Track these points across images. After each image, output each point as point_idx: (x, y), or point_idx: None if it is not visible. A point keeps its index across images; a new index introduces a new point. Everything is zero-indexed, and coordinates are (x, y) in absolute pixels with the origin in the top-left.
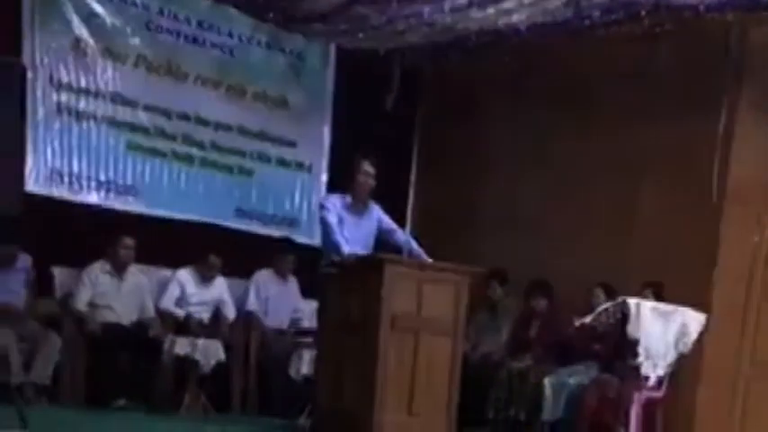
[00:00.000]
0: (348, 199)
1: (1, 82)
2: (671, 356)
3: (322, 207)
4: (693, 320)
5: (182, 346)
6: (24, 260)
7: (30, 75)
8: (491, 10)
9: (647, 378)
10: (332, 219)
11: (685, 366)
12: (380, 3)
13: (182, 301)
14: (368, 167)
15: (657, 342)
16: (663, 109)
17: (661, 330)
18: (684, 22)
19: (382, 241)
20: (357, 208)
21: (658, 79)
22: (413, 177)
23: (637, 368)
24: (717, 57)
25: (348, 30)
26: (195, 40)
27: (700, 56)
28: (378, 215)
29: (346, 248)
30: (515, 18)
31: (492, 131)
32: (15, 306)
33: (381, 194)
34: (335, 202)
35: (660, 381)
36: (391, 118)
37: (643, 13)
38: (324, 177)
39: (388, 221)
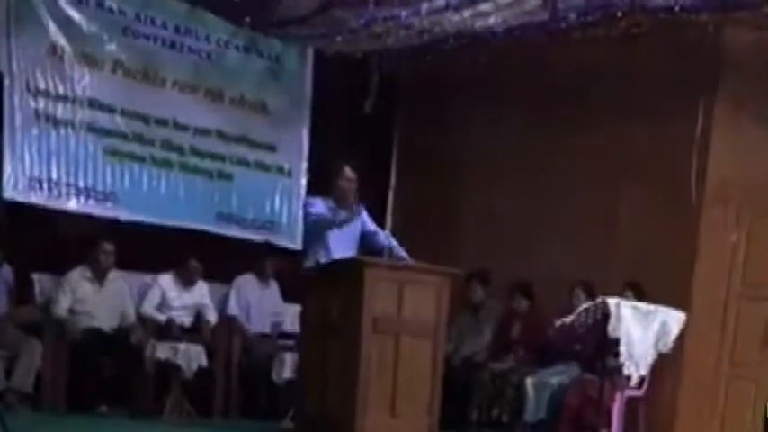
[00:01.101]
0: (331, 203)
1: None
2: (652, 356)
3: (305, 205)
4: (673, 320)
5: (163, 350)
6: (5, 270)
7: (6, 82)
8: (467, 13)
9: (628, 378)
10: (314, 210)
11: (666, 365)
12: (357, 6)
13: (163, 305)
14: (349, 173)
15: (638, 342)
16: (641, 110)
17: (641, 330)
18: (660, 23)
19: (365, 244)
20: (342, 213)
21: (636, 80)
22: (392, 180)
23: (618, 368)
24: (693, 58)
25: (326, 33)
26: (172, 45)
27: (676, 57)
28: (362, 219)
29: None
30: (492, 21)
31: (471, 133)
32: None
33: (361, 197)
34: (319, 203)
35: (641, 380)
36: (370, 121)
37: (619, 14)
38: (303, 181)
39: (371, 224)
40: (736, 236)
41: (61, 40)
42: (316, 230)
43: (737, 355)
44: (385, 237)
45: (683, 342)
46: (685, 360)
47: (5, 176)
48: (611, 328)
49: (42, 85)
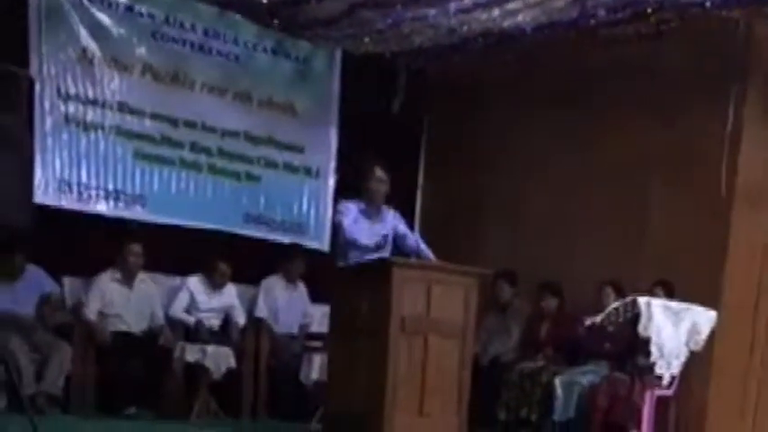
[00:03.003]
0: (362, 205)
1: (8, 94)
2: (683, 355)
3: (337, 212)
4: (704, 318)
5: (192, 353)
6: (34, 272)
7: (37, 86)
8: (496, 11)
9: (660, 377)
10: (345, 220)
11: (696, 364)
12: (385, 6)
13: (191, 308)
14: (380, 174)
15: (669, 340)
16: (671, 107)
17: (672, 329)
18: (690, 19)
19: (395, 245)
20: (371, 213)
21: (665, 77)
22: (420, 180)
23: (649, 367)
24: (723, 53)
25: (353, 34)
26: (201, 48)
27: (706, 53)
28: (394, 221)
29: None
30: (520, 18)
31: (499, 132)
32: (26, 316)
33: (389, 196)
34: (350, 207)
35: (672, 379)
36: (398, 121)
37: (649, 10)
38: (331, 182)
39: (403, 227)
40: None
41: (91, 45)
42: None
43: None
44: (414, 240)
45: (713, 341)
46: (715, 359)
47: (36, 181)
48: (641, 328)
49: (72, 90)
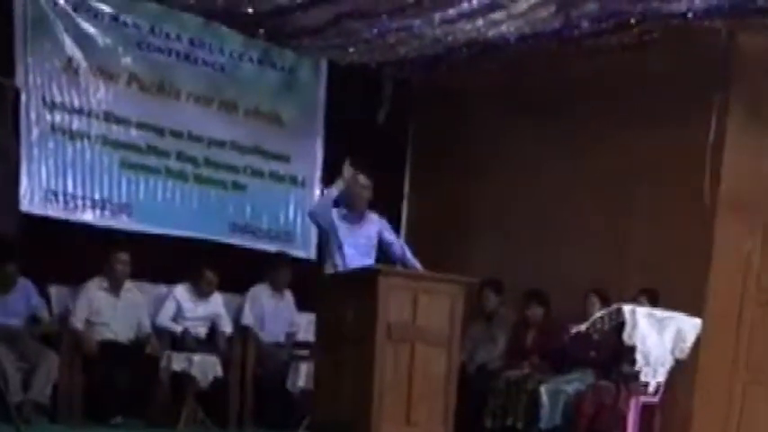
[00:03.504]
0: (344, 211)
1: None
2: (669, 362)
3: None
4: (689, 326)
5: (178, 361)
6: (25, 284)
7: (23, 96)
8: (480, 22)
9: (645, 385)
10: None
11: (681, 372)
12: (370, 17)
13: (178, 316)
14: (363, 180)
15: (654, 348)
16: (655, 115)
17: (657, 336)
18: (673, 29)
19: (381, 253)
20: (353, 219)
21: (649, 86)
22: (406, 188)
23: (635, 375)
24: (706, 63)
25: (339, 44)
26: (187, 58)
27: (689, 63)
28: (379, 227)
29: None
30: (504, 29)
31: (484, 141)
32: (14, 326)
33: (375, 206)
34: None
35: (657, 387)
36: (384, 130)
37: (632, 21)
38: (317, 191)
39: (389, 235)
40: (750, 241)
41: (77, 55)
42: (327, 228)
43: (753, 360)
44: (400, 248)
45: (698, 348)
46: (700, 366)
47: (22, 189)
48: (626, 336)
49: (58, 99)
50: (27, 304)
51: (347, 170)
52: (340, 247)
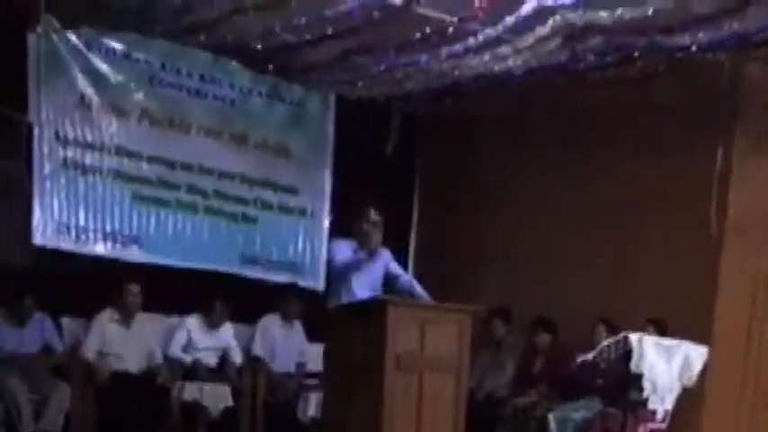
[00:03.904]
0: (355, 245)
1: (9, 139)
2: (676, 390)
3: (330, 251)
4: (696, 353)
5: (190, 391)
6: (41, 318)
7: (36, 131)
8: (486, 56)
9: (653, 412)
10: (339, 258)
11: (688, 398)
12: (378, 52)
13: (189, 347)
14: (374, 216)
15: (662, 376)
16: (661, 145)
17: (665, 364)
18: (678, 62)
19: (388, 287)
20: (366, 255)
21: (655, 116)
22: (414, 219)
23: (642, 402)
24: (711, 95)
25: (347, 79)
26: (197, 93)
27: (695, 94)
28: (386, 261)
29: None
30: (511, 62)
31: (491, 172)
32: (27, 357)
33: (383, 236)
34: (344, 247)
35: (665, 414)
36: (391, 162)
37: (637, 54)
38: (326, 222)
39: (395, 267)
40: (756, 268)
41: (89, 91)
42: (341, 274)
43: (760, 385)
44: (407, 280)
45: (706, 375)
46: (707, 392)
47: (34, 222)
48: (633, 364)
49: (71, 134)
50: (42, 336)
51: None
52: (348, 281)
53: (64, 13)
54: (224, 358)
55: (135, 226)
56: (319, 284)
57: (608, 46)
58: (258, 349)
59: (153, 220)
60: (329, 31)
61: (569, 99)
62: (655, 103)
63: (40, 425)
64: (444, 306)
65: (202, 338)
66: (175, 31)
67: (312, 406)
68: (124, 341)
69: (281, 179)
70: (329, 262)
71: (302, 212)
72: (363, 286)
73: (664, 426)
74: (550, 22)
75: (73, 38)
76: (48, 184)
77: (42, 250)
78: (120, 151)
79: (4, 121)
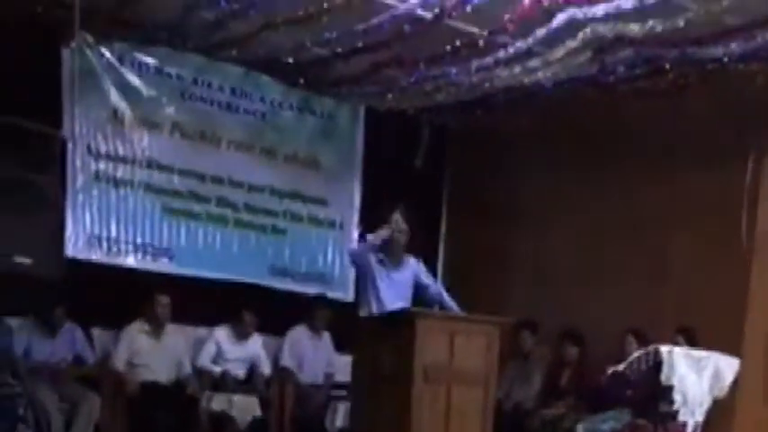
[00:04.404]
0: (381, 254)
1: (43, 154)
2: (707, 402)
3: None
4: (727, 366)
5: (218, 402)
6: (72, 327)
7: (69, 145)
8: (517, 69)
9: (684, 424)
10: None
11: (718, 411)
12: (408, 65)
13: (218, 358)
14: (402, 224)
15: (693, 388)
16: (691, 158)
17: (695, 376)
18: (709, 74)
19: (418, 296)
20: (390, 262)
21: (685, 129)
22: (443, 230)
23: (672, 414)
24: (743, 107)
25: (377, 91)
26: (228, 107)
27: (726, 107)
28: (415, 270)
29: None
30: (541, 75)
31: (520, 184)
32: (58, 368)
33: (412, 248)
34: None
35: (695, 426)
36: (421, 174)
37: (667, 66)
38: (355, 234)
39: (425, 278)
40: None
41: (122, 105)
42: (365, 271)
43: None
44: (436, 290)
45: (736, 387)
46: (737, 405)
47: (67, 234)
48: (664, 377)
49: (103, 148)
50: (72, 347)
51: (396, 219)
52: (377, 291)
53: (97, 29)
54: (252, 369)
55: (165, 238)
56: (348, 296)
57: (638, 58)
58: (286, 360)
59: (183, 233)
60: (360, 45)
61: (599, 111)
62: (685, 115)
63: None
64: (472, 318)
65: (231, 349)
66: (207, 46)
67: (340, 417)
68: (154, 352)
69: (311, 191)
70: (355, 264)
71: (331, 224)
72: (393, 296)
73: None
74: (581, 34)
75: (106, 53)
76: (80, 196)
77: (74, 262)
78: (151, 164)
79: (38, 136)
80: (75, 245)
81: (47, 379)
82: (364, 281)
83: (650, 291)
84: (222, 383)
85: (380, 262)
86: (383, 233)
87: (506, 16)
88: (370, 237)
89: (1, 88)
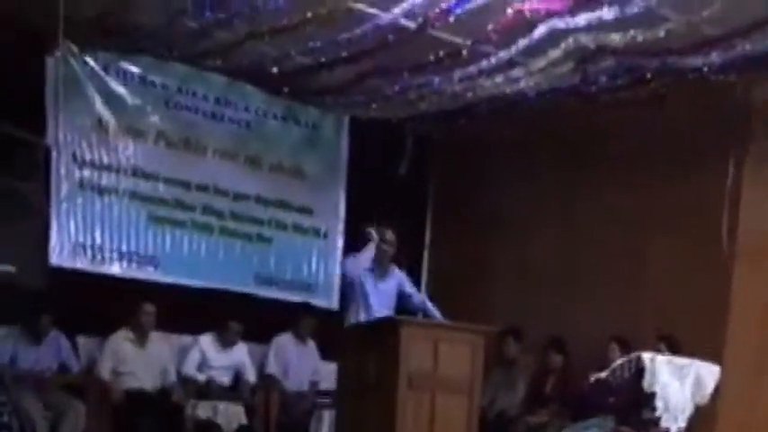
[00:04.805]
0: (368, 265)
1: (27, 162)
2: (689, 409)
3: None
4: (708, 373)
5: (204, 410)
6: (57, 335)
7: (53, 153)
8: (499, 79)
9: (666, 431)
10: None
11: (701, 417)
12: (392, 74)
13: (203, 365)
14: (391, 237)
15: (675, 394)
16: (672, 165)
17: (678, 383)
18: (689, 83)
19: (401, 305)
20: (378, 273)
21: (666, 136)
22: (427, 239)
23: (655, 421)
24: (723, 116)
25: (361, 101)
26: (213, 116)
27: (706, 114)
28: (399, 280)
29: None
30: (523, 84)
31: (503, 192)
32: (43, 376)
33: (397, 256)
34: (359, 262)
35: None
36: (405, 183)
37: (648, 76)
38: (340, 243)
39: (409, 287)
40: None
41: (106, 113)
42: (355, 289)
43: None
44: (420, 299)
45: (718, 395)
46: (719, 412)
47: (51, 243)
48: (646, 384)
49: (88, 156)
50: (58, 355)
51: (374, 235)
52: (366, 300)
53: (82, 38)
54: (237, 377)
55: (150, 246)
56: (333, 303)
57: (620, 68)
58: (272, 368)
59: (168, 241)
60: (344, 54)
61: (581, 120)
62: (666, 124)
63: None
64: (457, 326)
65: (216, 357)
66: (192, 55)
67: (325, 424)
68: (138, 360)
69: (296, 200)
70: (344, 276)
71: (316, 233)
72: (379, 304)
73: None
74: (563, 44)
75: (91, 61)
76: (65, 205)
77: (59, 270)
78: (136, 172)
79: (23, 144)
80: (60, 253)
81: (32, 387)
82: (352, 290)
83: (633, 298)
84: (207, 391)
85: (370, 271)
86: (371, 249)
87: (489, 26)
88: (361, 258)
89: None
